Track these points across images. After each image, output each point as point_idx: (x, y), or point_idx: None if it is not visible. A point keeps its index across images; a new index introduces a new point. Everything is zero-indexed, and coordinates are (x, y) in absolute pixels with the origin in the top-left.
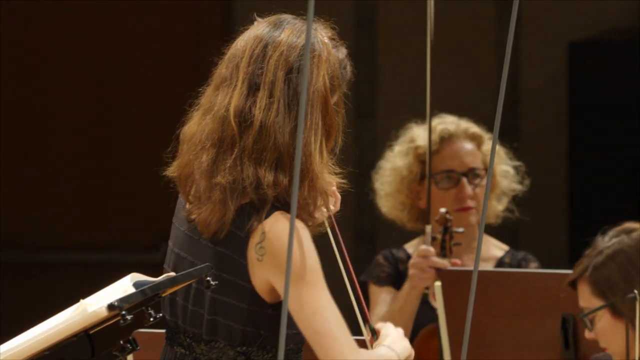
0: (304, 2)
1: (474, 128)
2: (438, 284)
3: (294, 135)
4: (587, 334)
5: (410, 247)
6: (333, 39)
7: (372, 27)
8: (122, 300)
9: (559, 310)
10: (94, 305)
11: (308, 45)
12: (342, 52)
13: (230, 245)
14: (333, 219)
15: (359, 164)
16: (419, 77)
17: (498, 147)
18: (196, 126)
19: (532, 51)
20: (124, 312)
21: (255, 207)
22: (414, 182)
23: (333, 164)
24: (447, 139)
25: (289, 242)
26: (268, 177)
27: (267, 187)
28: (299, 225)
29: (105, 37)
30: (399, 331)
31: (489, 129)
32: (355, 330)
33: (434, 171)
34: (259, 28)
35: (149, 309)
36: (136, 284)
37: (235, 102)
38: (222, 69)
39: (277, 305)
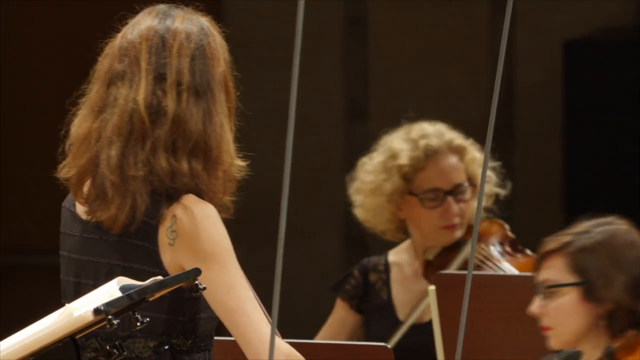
0: (294, 1)
1: (457, 140)
2: (432, 288)
3: (206, 122)
4: (534, 308)
5: (393, 253)
6: (214, 26)
7: (362, 28)
8: (109, 304)
9: None
10: (80, 310)
11: (299, 41)
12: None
13: (139, 235)
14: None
15: (350, 167)
16: (410, 77)
17: (477, 153)
18: (89, 124)
19: (527, 50)
20: (110, 317)
21: (168, 196)
22: (398, 198)
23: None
24: (431, 155)
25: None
26: (183, 165)
27: (183, 176)
28: (208, 205)
29: (88, 36)
30: None
31: (483, 129)
32: None
33: (419, 190)
34: (147, 20)
35: (136, 313)
36: (122, 288)
37: (144, 94)
38: (112, 64)
39: (192, 290)
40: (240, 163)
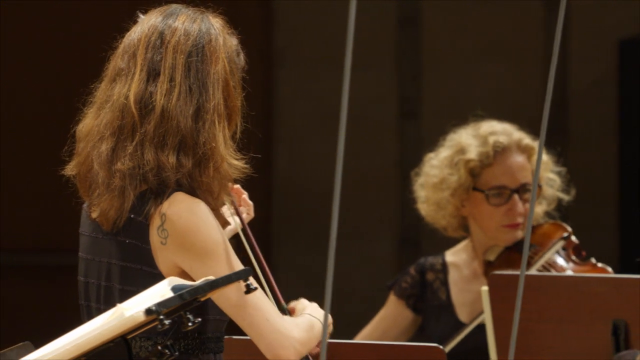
0: (346, 1)
1: (525, 139)
2: (485, 288)
3: (197, 118)
4: None
5: (450, 253)
6: (225, 28)
7: (415, 27)
8: (160, 304)
9: (610, 316)
10: (131, 310)
11: (350, 41)
12: (234, 40)
13: (130, 232)
14: (244, 222)
15: (403, 166)
16: (463, 77)
17: (546, 156)
18: (92, 121)
19: (581, 50)
20: (161, 317)
21: (154, 192)
22: (463, 193)
23: (234, 151)
24: (500, 152)
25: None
26: (171, 160)
27: (169, 171)
28: (198, 202)
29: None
30: (314, 304)
31: (536, 131)
32: None
33: (485, 187)
34: (152, 18)
35: (188, 313)
36: (174, 288)
37: (135, 89)
38: (117, 62)
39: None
40: (236, 162)
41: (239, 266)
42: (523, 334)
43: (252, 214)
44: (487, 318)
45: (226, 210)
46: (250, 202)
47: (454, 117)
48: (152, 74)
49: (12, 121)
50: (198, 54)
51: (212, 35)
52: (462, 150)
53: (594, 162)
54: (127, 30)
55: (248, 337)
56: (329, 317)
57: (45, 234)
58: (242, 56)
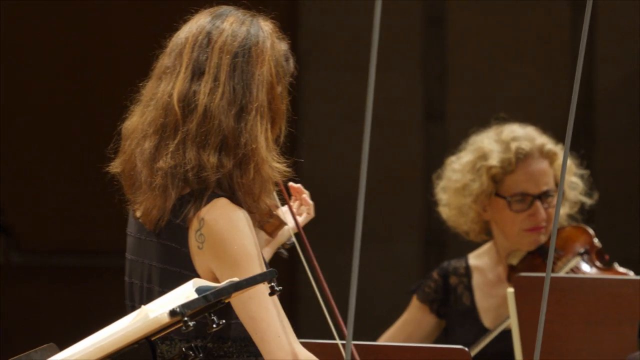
0: (371, 1)
1: (548, 145)
2: (511, 290)
3: (239, 119)
4: None
5: (473, 257)
6: (275, 32)
7: (441, 27)
8: (185, 306)
9: (636, 318)
10: (156, 311)
11: (375, 42)
12: (284, 45)
13: (170, 235)
14: (298, 224)
15: (428, 168)
16: (489, 78)
17: (569, 159)
18: (138, 119)
19: (607, 51)
20: (186, 319)
21: (194, 195)
22: (485, 199)
23: (277, 154)
24: (522, 159)
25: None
26: (212, 159)
27: (210, 170)
28: (237, 210)
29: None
30: None
31: (563, 132)
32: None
33: (507, 193)
34: (201, 19)
35: (212, 315)
36: (198, 290)
37: (179, 87)
38: (164, 60)
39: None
40: (279, 166)
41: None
42: (548, 336)
43: (312, 214)
44: (512, 320)
45: (286, 211)
46: (311, 202)
47: (479, 119)
48: (197, 73)
49: (38, 121)
50: (244, 55)
51: (259, 38)
52: (484, 156)
53: (620, 164)
54: (175, 29)
55: (310, 340)
56: None
57: (68, 235)
58: (291, 61)
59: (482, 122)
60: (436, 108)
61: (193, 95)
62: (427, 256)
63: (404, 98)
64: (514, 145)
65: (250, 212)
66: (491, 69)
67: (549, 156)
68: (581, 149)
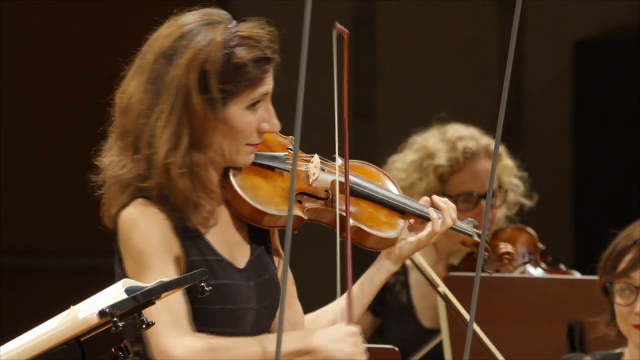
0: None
1: (493, 145)
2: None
3: (147, 119)
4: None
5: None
6: (249, 38)
7: (370, 27)
8: (114, 306)
9: (565, 317)
10: (85, 312)
11: (305, 44)
12: (251, 53)
13: (113, 237)
14: (347, 224)
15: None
16: (418, 77)
17: (510, 161)
18: None
19: (536, 51)
20: (115, 319)
21: (120, 194)
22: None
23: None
24: (469, 159)
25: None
26: (126, 158)
27: (127, 168)
28: (142, 209)
29: (95, 40)
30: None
31: (492, 132)
32: None
33: (453, 192)
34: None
35: (142, 315)
36: (128, 290)
37: (121, 86)
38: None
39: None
40: (177, 166)
41: (158, 279)
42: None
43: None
44: (442, 320)
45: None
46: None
47: (409, 118)
48: (133, 73)
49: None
50: (168, 56)
51: (191, 42)
52: (430, 155)
53: (549, 163)
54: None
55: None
56: None
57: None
58: (251, 69)
59: (412, 121)
60: (365, 107)
61: (123, 94)
62: (354, 254)
63: (333, 96)
64: (460, 145)
65: (179, 213)
66: (420, 68)
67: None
68: (511, 148)
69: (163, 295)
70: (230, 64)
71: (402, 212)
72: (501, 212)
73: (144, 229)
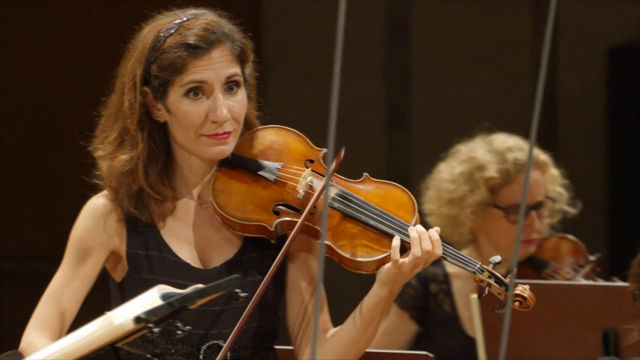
0: (334, 2)
1: (541, 155)
2: (474, 296)
3: (105, 112)
4: None
5: (450, 264)
6: (182, 27)
7: (404, 34)
8: (149, 312)
9: (600, 324)
10: (121, 318)
11: (339, 50)
12: (174, 39)
13: None
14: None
15: (391, 173)
16: (452, 84)
17: (555, 170)
18: None
19: (570, 57)
20: (150, 325)
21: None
22: (481, 209)
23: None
24: (520, 170)
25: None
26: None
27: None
28: (92, 201)
29: (110, 37)
30: None
31: (526, 137)
32: None
33: (504, 204)
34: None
35: (177, 321)
36: (163, 296)
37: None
38: None
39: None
40: (108, 163)
41: (64, 267)
42: (513, 342)
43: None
44: (476, 327)
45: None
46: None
47: (442, 125)
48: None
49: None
50: (126, 54)
51: (140, 35)
52: (480, 167)
53: (583, 169)
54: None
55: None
56: None
57: (44, 242)
58: (176, 53)
59: (445, 128)
60: (399, 113)
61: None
62: None
63: (368, 104)
64: (510, 156)
65: (125, 203)
66: (454, 75)
67: (541, 167)
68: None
69: (198, 302)
70: (157, 51)
71: (391, 236)
72: (545, 221)
73: (79, 220)
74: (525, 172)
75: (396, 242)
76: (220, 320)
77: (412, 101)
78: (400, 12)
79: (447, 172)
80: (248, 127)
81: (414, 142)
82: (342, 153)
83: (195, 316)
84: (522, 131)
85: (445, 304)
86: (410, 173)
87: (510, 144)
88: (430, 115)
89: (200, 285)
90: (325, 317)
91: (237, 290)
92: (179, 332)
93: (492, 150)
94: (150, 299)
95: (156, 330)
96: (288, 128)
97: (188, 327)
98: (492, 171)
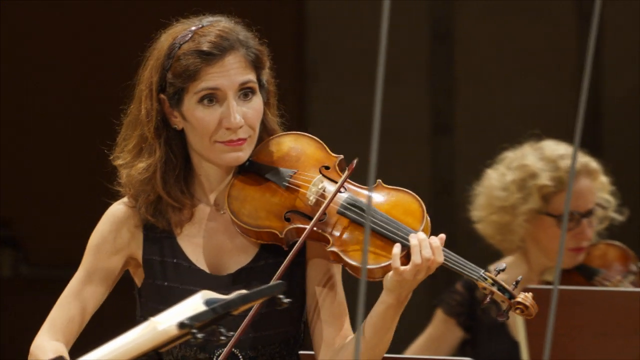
0: (378, 9)
1: (591, 163)
2: None
3: (125, 122)
4: None
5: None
6: (196, 34)
7: (449, 41)
8: (193, 318)
9: None
10: (164, 324)
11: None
12: (188, 46)
13: None
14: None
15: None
16: (496, 91)
17: (604, 177)
18: None
19: (615, 62)
20: (194, 331)
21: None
22: (534, 217)
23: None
24: (574, 177)
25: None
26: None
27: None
28: (113, 207)
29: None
30: None
31: (571, 143)
32: None
33: (557, 212)
34: None
35: (220, 327)
36: (207, 302)
37: None
38: None
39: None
40: (134, 173)
41: (80, 271)
42: (557, 349)
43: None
44: (520, 334)
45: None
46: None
47: (486, 132)
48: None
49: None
50: (143, 63)
51: (156, 44)
52: (533, 175)
53: (628, 176)
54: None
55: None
56: None
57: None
58: (187, 60)
59: (490, 135)
60: (443, 120)
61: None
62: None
63: (412, 111)
64: (562, 164)
65: (151, 213)
66: (498, 81)
67: (592, 174)
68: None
69: (241, 307)
70: (172, 58)
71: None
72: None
73: (98, 226)
74: (569, 177)
75: (397, 249)
76: (235, 326)
77: (456, 108)
78: (445, 18)
79: (498, 179)
80: (269, 134)
81: (458, 149)
82: (355, 163)
83: None
84: (566, 137)
85: (492, 310)
86: (454, 180)
87: (561, 152)
88: (474, 122)
89: (243, 291)
90: (346, 324)
91: (281, 296)
92: (223, 337)
93: (543, 157)
94: (193, 304)
95: (200, 336)
96: (307, 135)
97: (232, 333)
98: (545, 179)
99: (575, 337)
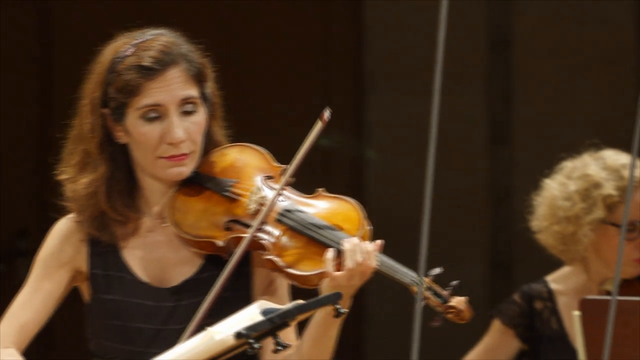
0: (435, 3)
1: None
2: (577, 313)
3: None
4: None
5: (553, 281)
6: (139, 48)
7: (507, 49)
8: (250, 328)
9: None
10: (221, 334)
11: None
12: (129, 60)
13: None
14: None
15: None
16: (554, 100)
17: None
18: None
19: None
20: (251, 341)
21: None
22: (599, 227)
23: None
24: (637, 187)
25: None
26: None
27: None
28: (60, 222)
29: (237, 37)
30: None
31: (629, 153)
32: None
33: (620, 222)
34: None
35: (277, 337)
36: (264, 312)
37: None
38: None
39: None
40: (77, 187)
41: (29, 285)
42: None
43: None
44: (579, 344)
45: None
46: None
47: (545, 141)
48: None
49: None
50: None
51: (99, 58)
52: (597, 185)
53: None
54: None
55: None
56: None
57: None
58: (126, 77)
59: (548, 145)
60: (502, 131)
61: None
62: (493, 279)
63: (470, 121)
64: (626, 173)
65: (87, 225)
66: (556, 91)
67: None
68: None
69: (298, 317)
70: (114, 72)
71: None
72: None
73: (46, 241)
74: (628, 187)
75: (329, 254)
76: (161, 341)
77: (514, 118)
78: (503, 28)
79: (560, 189)
80: (215, 146)
81: (517, 159)
82: (288, 167)
83: (122, 333)
84: (624, 146)
85: (551, 321)
86: (512, 190)
87: (623, 161)
88: (532, 132)
89: (300, 301)
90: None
91: (338, 307)
92: (279, 347)
93: (606, 167)
94: (250, 314)
95: (256, 346)
96: (252, 146)
97: (289, 343)
98: (609, 189)
99: (634, 348)
